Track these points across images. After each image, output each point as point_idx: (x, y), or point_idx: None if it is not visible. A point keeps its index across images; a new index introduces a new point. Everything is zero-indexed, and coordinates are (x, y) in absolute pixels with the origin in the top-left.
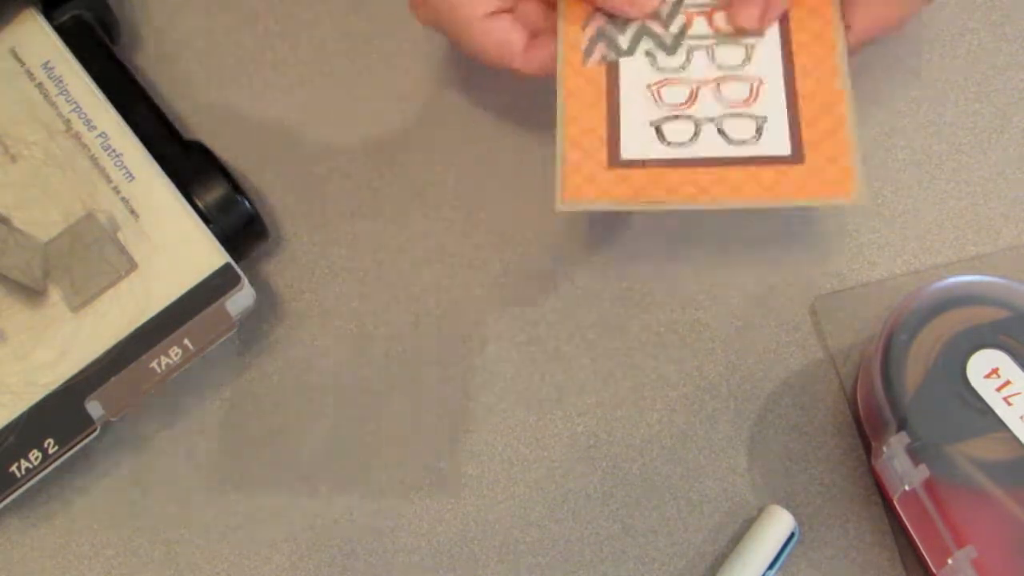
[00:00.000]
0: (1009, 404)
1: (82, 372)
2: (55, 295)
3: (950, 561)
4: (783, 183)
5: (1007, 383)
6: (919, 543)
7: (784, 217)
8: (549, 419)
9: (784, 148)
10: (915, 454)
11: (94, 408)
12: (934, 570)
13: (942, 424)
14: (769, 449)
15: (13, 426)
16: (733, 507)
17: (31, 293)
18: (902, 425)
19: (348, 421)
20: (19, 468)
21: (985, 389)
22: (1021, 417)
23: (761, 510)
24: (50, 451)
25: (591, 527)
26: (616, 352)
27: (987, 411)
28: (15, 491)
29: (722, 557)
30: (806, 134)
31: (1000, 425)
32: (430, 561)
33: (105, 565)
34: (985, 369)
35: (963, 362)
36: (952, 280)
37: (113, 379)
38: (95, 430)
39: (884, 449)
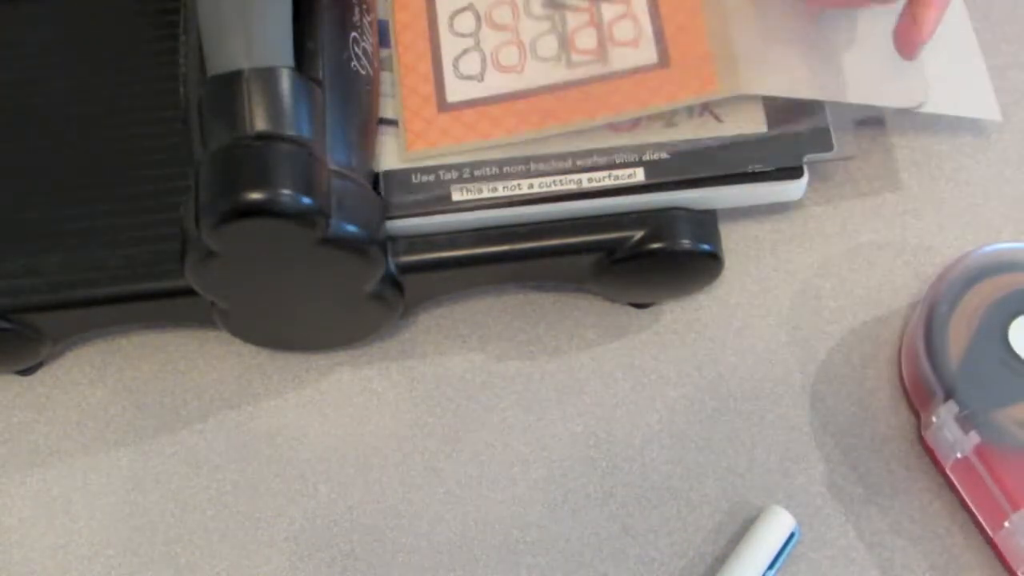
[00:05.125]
0: None
1: None
2: None
3: (1006, 524)
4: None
5: None
6: (974, 509)
7: (784, 217)
8: (549, 419)
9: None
10: (964, 422)
11: None
12: (991, 534)
13: (988, 391)
14: (769, 449)
15: None
16: (733, 507)
17: None
18: (949, 394)
19: (348, 421)
20: None
21: None
22: None
23: (761, 510)
24: None
25: (591, 527)
26: (616, 352)
27: None
28: None
29: (722, 557)
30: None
31: None
32: (430, 561)
33: (105, 565)
34: None
35: (1004, 328)
36: (989, 249)
37: None
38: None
39: (933, 419)
